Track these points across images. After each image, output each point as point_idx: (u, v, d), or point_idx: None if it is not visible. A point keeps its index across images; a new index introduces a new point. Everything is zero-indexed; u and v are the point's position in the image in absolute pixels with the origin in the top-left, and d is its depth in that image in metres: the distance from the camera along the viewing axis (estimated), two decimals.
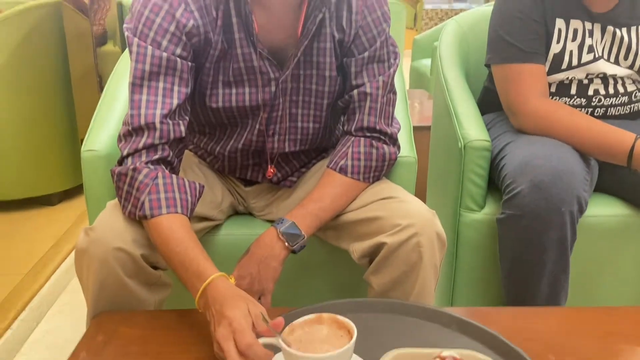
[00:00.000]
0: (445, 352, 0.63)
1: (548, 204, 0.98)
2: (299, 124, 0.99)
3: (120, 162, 0.86)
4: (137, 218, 0.82)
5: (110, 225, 0.83)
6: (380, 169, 0.98)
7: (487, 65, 1.24)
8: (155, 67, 0.84)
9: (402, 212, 0.89)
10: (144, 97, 0.84)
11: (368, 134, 0.97)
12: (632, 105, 1.20)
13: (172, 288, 0.90)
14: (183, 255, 0.77)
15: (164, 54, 0.84)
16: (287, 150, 1.01)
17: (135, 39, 0.84)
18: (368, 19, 0.93)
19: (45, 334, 1.44)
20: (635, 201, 1.16)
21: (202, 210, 0.99)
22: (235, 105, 0.94)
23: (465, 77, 1.39)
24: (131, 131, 0.84)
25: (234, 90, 0.93)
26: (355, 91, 0.96)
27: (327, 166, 0.98)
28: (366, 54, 0.94)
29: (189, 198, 0.85)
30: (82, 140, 2.13)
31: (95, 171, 1.02)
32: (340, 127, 1.04)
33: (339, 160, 0.96)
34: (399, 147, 1.02)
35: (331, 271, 1.09)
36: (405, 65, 4.08)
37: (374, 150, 0.97)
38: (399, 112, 1.15)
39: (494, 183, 1.17)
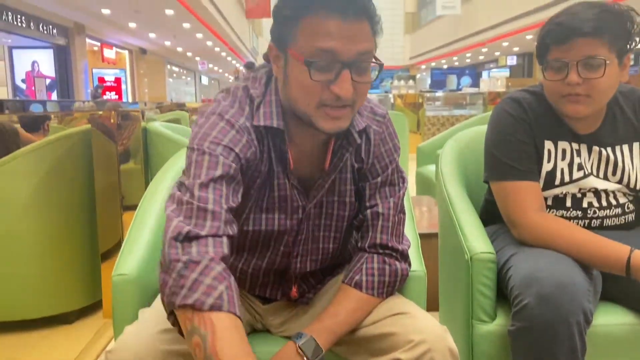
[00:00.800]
0: None
1: (555, 316, 1.02)
2: (320, 245, 1.07)
3: (175, 237, 0.82)
4: (208, 307, 0.78)
5: (130, 346, 0.88)
6: (393, 285, 1.04)
7: (486, 181, 1.33)
8: (225, 173, 0.87)
9: (415, 328, 0.93)
10: (211, 195, 0.85)
11: (381, 251, 1.04)
12: (626, 217, 1.27)
13: None
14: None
15: (233, 165, 0.89)
16: (308, 269, 1.08)
17: (205, 149, 0.88)
18: (382, 149, 1.05)
19: None
20: None
21: None
22: (264, 229, 1.01)
23: (466, 190, 1.48)
24: (194, 208, 0.84)
25: (264, 216, 1.01)
26: (368, 211, 1.04)
27: (343, 281, 1.03)
28: (379, 179, 1.04)
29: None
30: (102, 255, 2.19)
31: (124, 294, 1.09)
32: (354, 244, 1.11)
33: (354, 276, 1.02)
34: (409, 264, 1.08)
35: None
36: (411, 169, 4.25)
37: (387, 267, 1.03)
38: (407, 227, 1.23)
39: (504, 293, 1.21)
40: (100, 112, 2.26)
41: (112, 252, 2.24)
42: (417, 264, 1.16)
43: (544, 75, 1.21)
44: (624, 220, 1.27)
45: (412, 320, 0.95)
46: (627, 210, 1.27)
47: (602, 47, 1.13)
